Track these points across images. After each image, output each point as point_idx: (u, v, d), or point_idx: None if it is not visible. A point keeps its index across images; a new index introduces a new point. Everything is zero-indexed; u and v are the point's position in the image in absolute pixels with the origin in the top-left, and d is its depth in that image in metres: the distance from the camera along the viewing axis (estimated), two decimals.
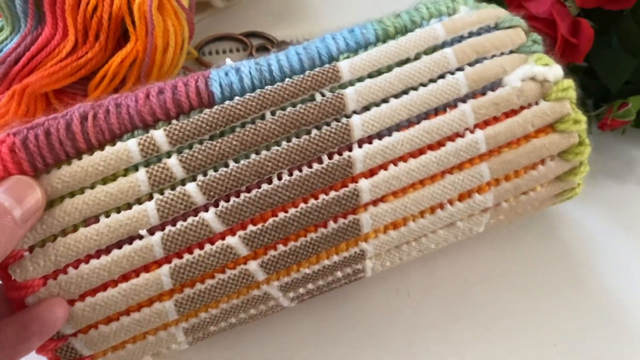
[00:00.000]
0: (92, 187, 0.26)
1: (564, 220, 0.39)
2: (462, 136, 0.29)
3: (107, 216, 0.26)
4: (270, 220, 0.27)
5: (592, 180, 0.41)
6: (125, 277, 0.27)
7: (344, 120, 0.28)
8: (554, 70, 0.31)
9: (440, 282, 0.36)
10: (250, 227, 0.27)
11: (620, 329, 0.35)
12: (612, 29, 0.39)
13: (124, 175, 0.27)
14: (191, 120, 0.27)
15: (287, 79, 0.28)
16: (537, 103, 0.31)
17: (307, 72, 0.28)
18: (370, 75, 0.29)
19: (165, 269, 0.27)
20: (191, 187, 0.27)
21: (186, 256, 0.27)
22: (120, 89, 0.38)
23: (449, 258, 0.37)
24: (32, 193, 0.25)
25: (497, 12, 0.32)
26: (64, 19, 0.35)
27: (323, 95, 0.28)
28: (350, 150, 0.28)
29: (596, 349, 0.34)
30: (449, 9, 0.31)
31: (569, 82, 0.31)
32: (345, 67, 0.29)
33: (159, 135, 0.27)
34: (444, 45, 0.30)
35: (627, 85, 0.39)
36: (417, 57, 0.30)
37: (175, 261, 0.27)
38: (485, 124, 0.30)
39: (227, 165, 0.27)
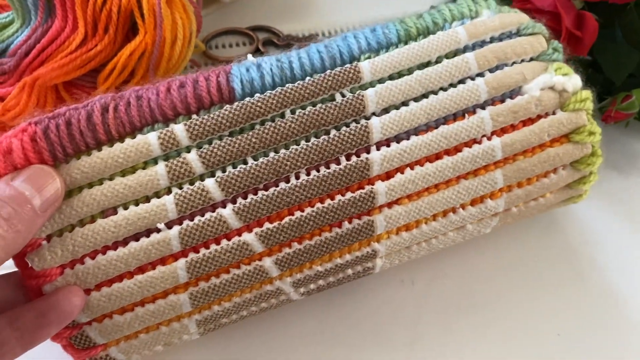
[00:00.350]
0: (111, 178, 0.26)
1: (567, 214, 0.39)
2: (479, 143, 0.30)
3: (125, 208, 0.26)
4: (287, 219, 0.28)
5: None
6: (141, 269, 0.27)
7: (363, 121, 0.28)
8: (573, 81, 0.31)
9: (445, 273, 0.36)
10: (267, 225, 0.28)
11: (622, 319, 0.35)
12: (616, 23, 0.39)
13: (143, 169, 0.27)
14: (211, 115, 0.27)
15: (307, 78, 0.28)
16: (554, 113, 0.31)
17: (328, 72, 0.28)
18: (390, 77, 0.29)
19: (181, 262, 0.27)
20: (210, 183, 0.27)
21: (203, 251, 0.27)
22: (129, 81, 0.38)
23: (454, 251, 0.37)
24: (52, 182, 0.25)
25: (519, 18, 0.32)
26: (73, 12, 0.36)
27: (343, 95, 0.28)
28: (368, 152, 0.28)
29: (599, 338, 0.35)
30: (471, 11, 0.31)
31: (587, 94, 0.31)
32: (367, 67, 0.29)
33: (179, 129, 0.27)
34: (465, 49, 0.30)
35: (631, 78, 0.39)
36: (438, 60, 0.30)
37: (192, 255, 0.27)
38: (502, 131, 0.30)
39: (245, 163, 0.27)
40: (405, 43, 0.30)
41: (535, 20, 0.32)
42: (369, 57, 0.29)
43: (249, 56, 0.30)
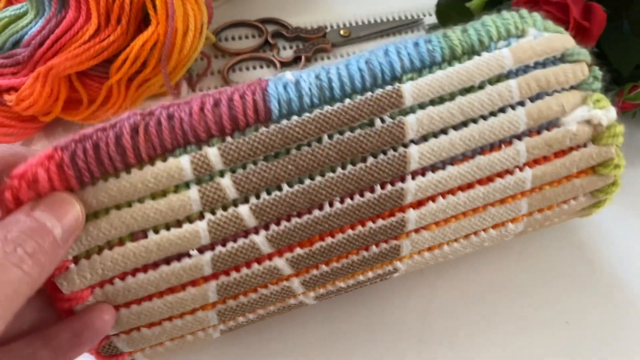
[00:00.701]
0: (141, 201, 0.25)
1: None
2: (511, 173, 0.29)
3: (156, 232, 0.26)
4: (317, 245, 0.27)
5: None
6: (171, 290, 0.27)
7: (401, 149, 0.27)
8: (609, 114, 0.30)
9: (454, 263, 0.37)
10: (297, 250, 0.27)
11: (630, 306, 0.36)
12: (624, 14, 0.40)
13: (175, 191, 0.26)
14: (247, 139, 0.26)
15: (347, 100, 0.27)
16: (585, 145, 0.30)
17: (369, 94, 0.27)
18: (432, 101, 0.28)
19: (212, 284, 0.27)
20: (244, 211, 0.26)
21: (233, 274, 0.27)
22: (141, 71, 0.38)
23: None
24: (72, 210, 0.24)
25: (564, 41, 0.30)
26: (87, 3, 0.36)
27: (383, 121, 0.27)
28: (402, 180, 0.28)
29: (606, 325, 0.35)
30: (517, 29, 0.30)
31: (621, 129, 0.31)
32: (409, 91, 0.27)
33: (213, 154, 0.26)
34: (509, 74, 0.29)
35: (638, 69, 0.40)
36: (481, 85, 0.29)
37: (223, 278, 0.27)
38: (534, 162, 0.30)
39: (280, 189, 0.27)
40: (449, 63, 0.28)
41: (581, 46, 0.31)
42: (411, 78, 0.28)
43: (287, 73, 0.28)
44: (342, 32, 0.48)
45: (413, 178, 0.28)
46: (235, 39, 0.47)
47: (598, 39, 0.38)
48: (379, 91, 0.27)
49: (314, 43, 0.47)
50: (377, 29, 0.48)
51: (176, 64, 0.39)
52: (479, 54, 0.29)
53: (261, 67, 0.46)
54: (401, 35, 0.48)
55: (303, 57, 0.46)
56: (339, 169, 0.27)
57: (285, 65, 0.46)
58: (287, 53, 0.47)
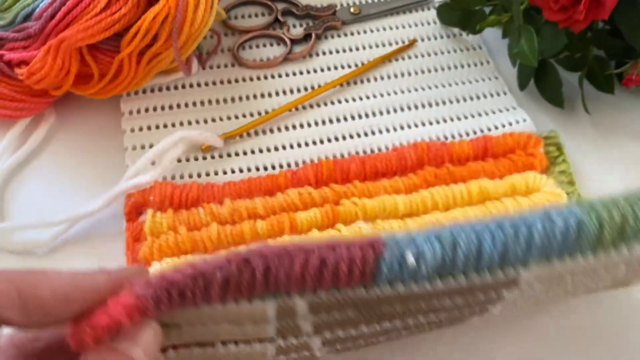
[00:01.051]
0: (216, 323, 0.25)
1: (585, 179, 0.39)
2: None
3: (224, 344, 0.25)
4: (371, 353, 0.29)
5: (614, 139, 0.41)
6: None
7: (487, 308, 0.27)
8: None
9: None
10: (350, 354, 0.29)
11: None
12: None
13: (252, 322, 0.25)
14: (340, 297, 0.24)
15: (462, 277, 0.23)
16: None
17: (487, 277, 0.23)
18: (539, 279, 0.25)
19: None
20: (315, 341, 0.26)
21: None
22: (152, 45, 0.38)
23: None
24: (149, 328, 0.24)
25: None
26: None
27: (486, 294, 0.25)
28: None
29: (610, 302, 0.35)
30: None
31: None
32: (526, 279, 0.24)
33: (302, 307, 0.24)
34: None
35: None
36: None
37: None
38: None
39: (356, 328, 0.26)
40: (583, 255, 0.24)
41: None
42: (537, 266, 0.24)
43: (409, 254, 0.23)
44: (352, 9, 0.47)
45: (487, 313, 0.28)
46: (245, 16, 0.47)
47: (611, 14, 0.38)
48: (498, 276, 0.24)
49: (324, 20, 0.46)
50: (388, 7, 0.48)
51: (187, 38, 0.39)
52: (617, 249, 0.24)
53: (271, 45, 0.46)
54: (411, 13, 0.48)
55: (313, 35, 0.46)
56: (420, 317, 0.26)
57: (295, 42, 0.45)
58: (297, 31, 0.47)
